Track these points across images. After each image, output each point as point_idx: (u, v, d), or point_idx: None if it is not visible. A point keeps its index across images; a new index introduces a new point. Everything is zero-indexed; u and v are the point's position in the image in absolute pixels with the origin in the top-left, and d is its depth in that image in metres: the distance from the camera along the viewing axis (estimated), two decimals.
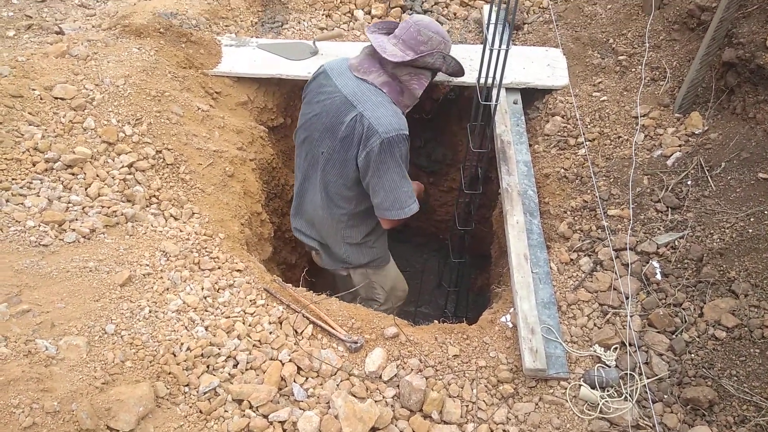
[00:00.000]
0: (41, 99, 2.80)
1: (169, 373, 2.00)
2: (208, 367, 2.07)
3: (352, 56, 2.70)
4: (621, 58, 3.30)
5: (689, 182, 2.67)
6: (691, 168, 2.70)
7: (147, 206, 2.65)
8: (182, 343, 2.09)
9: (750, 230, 2.38)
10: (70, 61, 3.05)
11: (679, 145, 2.83)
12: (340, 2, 3.99)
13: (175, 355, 2.05)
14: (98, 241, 2.40)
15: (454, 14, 3.99)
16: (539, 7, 3.94)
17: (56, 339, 1.95)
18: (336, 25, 3.90)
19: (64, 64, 3.01)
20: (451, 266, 3.87)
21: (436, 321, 2.61)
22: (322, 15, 3.93)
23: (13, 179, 2.50)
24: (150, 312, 2.17)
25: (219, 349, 2.12)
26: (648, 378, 2.18)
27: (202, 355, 2.08)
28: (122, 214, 2.53)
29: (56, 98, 2.83)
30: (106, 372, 1.91)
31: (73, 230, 2.39)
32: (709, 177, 2.64)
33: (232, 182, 3.00)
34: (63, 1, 3.91)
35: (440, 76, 3.24)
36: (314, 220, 2.94)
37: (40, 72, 2.91)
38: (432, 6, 4.01)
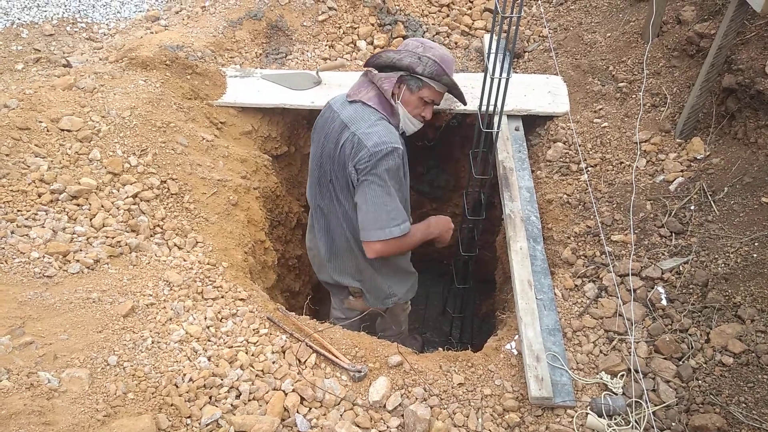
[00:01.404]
0: (48, 131, 2.84)
1: (171, 405, 1.98)
2: (210, 398, 2.06)
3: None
4: (621, 84, 3.33)
5: (692, 207, 2.67)
6: (693, 193, 2.70)
7: (151, 236, 2.66)
8: (184, 374, 2.08)
9: (755, 255, 2.37)
10: (77, 93, 3.10)
11: (681, 171, 2.84)
12: (343, 33, 4.05)
13: (177, 386, 2.04)
14: (102, 272, 2.41)
15: (456, 43, 4.05)
16: (539, 36, 4.00)
17: (59, 371, 1.95)
18: (339, 55, 3.95)
19: (71, 96, 3.06)
20: (455, 292, 3.85)
21: (440, 348, 2.59)
22: (326, 46, 4.00)
23: (18, 211, 2.52)
24: (152, 343, 2.17)
25: (221, 379, 2.11)
26: (655, 405, 2.15)
27: (204, 385, 2.07)
28: (126, 245, 2.54)
29: (63, 130, 2.87)
30: (108, 404, 1.89)
31: (77, 261, 2.40)
32: (712, 202, 2.63)
33: (236, 211, 3.02)
34: (71, 35, 4.00)
35: (443, 104, 3.29)
36: (346, 261, 2.76)
37: (47, 104, 2.96)
38: (433, 36, 4.07)
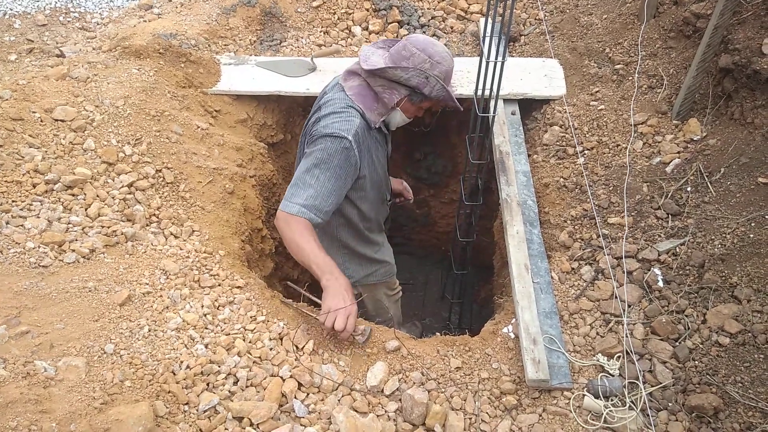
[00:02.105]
0: (42, 121, 2.82)
1: (169, 392, 1.99)
2: (207, 384, 2.06)
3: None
4: (618, 66, 3.31)
5: (689, 188, 2.66)
6: (690, 174, 2.69)
7: (147, 225, 2.65)
8: (182, 362, 2.08)
9: (751, 235, 2.37)
10: (70, 83, 3.08)
11: (678, 152, 2.83)
12: (338, 19, 4.03)
13: (174, 374, 2.04)
14: (98, 261, 2.41)
15: (451, 28, 4.02)
16: (535, 19, 3.97)
17: (55, 360, 1.95)
18: (334, 41, 3.93)
19: (65, 86, 3.04)
20: (453, 278, 3.85)
21: (438, 333, 2.60)
22: (320, 32, 3.97)
23: (13, 201, 2.52)
24: (149, 331, 2.17)
25: (219, 366, 2.11)
26: (652, 386, 2.16)
27: (201, 372, 2.07)
28: (122, 234, 2.54)
29: (56, 120, 2.85)
30: (105, 392, 1.90)
31: (73, 251, 2.40)
32: (708, 183, 2.63)
33: (232, 199, 3.01)
34: (64, 25, 3.97)
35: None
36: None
37: (41, 95, 2.94)
38: (429, 20, 4.04)
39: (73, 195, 2.63)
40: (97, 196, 2.66)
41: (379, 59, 2.49)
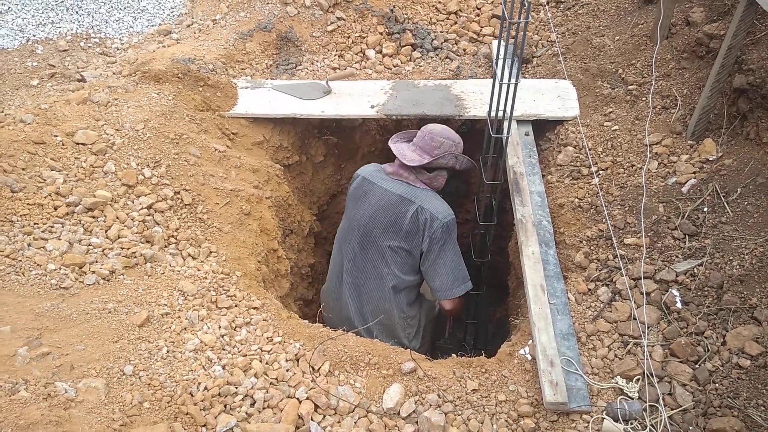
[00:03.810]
0: (63, 145, 2.89)
1: (187, 414, 2.00)
2: (225, 406, 2.07)
3: (385, 165, 3.06)
4: (631, 87, 3.32)
5: (705, 209, 2.65)
6: (706, 194, 2.69)
7: (165, 246, 2.69)
8: (199, 383, 2.09)
9: None
10: (91, 107, 3.15)
11: (694, 172, 2.82)
12: (352, 42, 4.09)
13: (192, 395, 2.05)
14: (117, 283, 2.44)
15: (464, 50, 4.06)
16: (548, 41, 4.00)
17: (75, 381, 1.97)
18: (348, 64, 3.99)
19: (86, 110, 3.11)
20: (469, 298, 3.84)
21: (454, 355, 2.59)
22: (335, 55, 4.03)
23: (35, 224, 2.56)
24: (168, 352, 2.19)
25: (236, 388, 2.12)
26: (672, 409, 2.13)
27: (219, 394, 2.08)
28: (141, 255, 2.57)
29: (77, 144, 2.92)
30: (124, 414, 1.92)
31: (93, 272, 2.44)
32: (725, 203, 2.61)
33: (249, 220, 3.05)
34: (85, 50, 4.07)
35: (452, 110, 3.33)
36: (364, 309, 3.04)
37: (62, 119, 3.01)
38: (442, 43, 4.09)
39: (94, 217, 2.68)
40: (117, 218, 2.70)
41: (413, 155, 2.95)
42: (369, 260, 2.96)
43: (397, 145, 3.02)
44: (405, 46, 4.05)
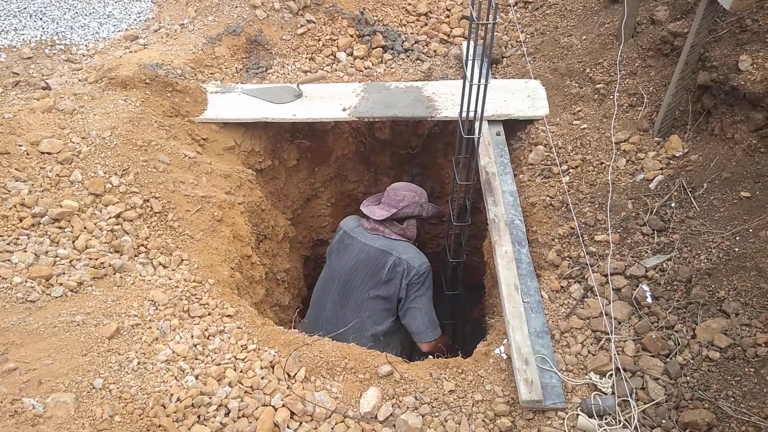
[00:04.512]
0: (28, 154, 2.82)
1: (159, 426, 1.96)
2: (198, 417, 2.04)
3: (363, 219, 3.34)
4: (598, 86, 3.36)
5: (673, 204, 2.69)
6: (674, 190, 2.73)
7: (135, 256, 2.64)
8: (172, 394, 2.06)
9: (736, 249, 2.39)
10: (56, 115, 3.08)
11: (661, 168, 2.87)
12: (323, 45, 4.07)
13: (164, 407, 2.02)
14: (86, 294, 2.39)
15: (435, 51, 4.08)
16: (516, 41, 4.03)
17: (43, 396, 1.93)
18: (319, 67, 3.97)
19: (51, 118, 3.05)
20: (445, 299, 3.85)
21: (430, 356, 2.59)
22: (306, 58, 4.01)
23: None
24: (139, 364, 2.15)
25: (210, 398, 2.09)
26: (645, 403, 2.16)
27: (192, 405, 2.05)
28: (110, 265, 2.52)
29: (43, 153, 2.85)
30: (95, 428, 1.88)
31: (61, 284, 2.39)
32: (692, 198, 2.66)
33: (221, 227, 3.01)
34: (50, 57, 3.99)
35: (424, 112, 3.35)
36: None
37: (27, 127, 2.94)
38: (413, 45, 4.10)
39: (60, 228, 2.62)
40: (85, 228, 2.65)
41: (382, 211, 3.26)
42: (348, 310, 3.14)
43: (367, 208, 3.35)
44: (376, 48, 4.05)
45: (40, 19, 4.22)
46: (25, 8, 4.26)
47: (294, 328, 2.68)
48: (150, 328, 2.31)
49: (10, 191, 2.65)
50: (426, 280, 3.12)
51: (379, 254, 3.14)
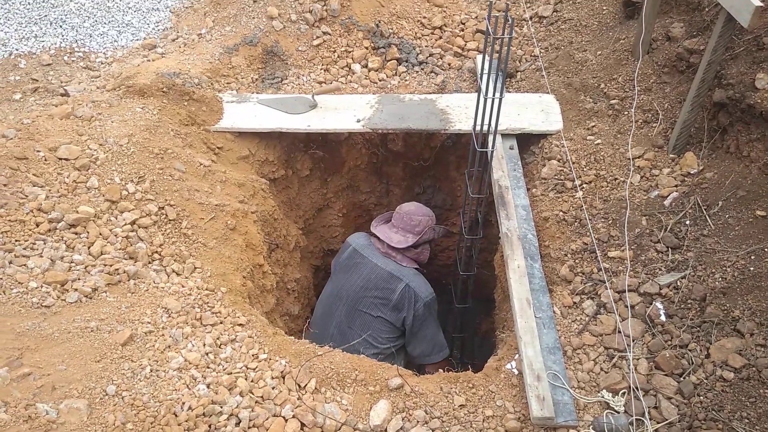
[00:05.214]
0: (46, 160, 2.86)
1: None
2: (209, 426, 2.04)
3: (374, 239, 3.37)
4: (613, 102, 3.36)
5: (687, 222, 2.68)
6: (688, 208, 2.72)
7: (149, 263, 2.66)
8: (183, 403, 2.07)
9: (751, 268, 2.38)
10: (74, 122, 3.12)
11: (676, 185, 2.86)
12: (338, 57, 4.10)
13: (176, 416, 2.03)
14: (100, 300, 2.41)
15: (449, 65, 4.09)
16: (531, 56, 4.04)
17: (57, 402, 1.94)
18: (334, 78, 3.99)
19: (69, 125, 3.09)
20: (455, 312, 3.84)
21: (441, 369, 2.58)
22: (321, 69, 4.04)
23: (16, 241, 2.53)
24: (151, 371, 2.16)
25: (221, 407, 2.10)
26: (658, 423, 2.14)
27: (203, 414, 2.06)
28: (124, 272, 2.54)
29: (60, 159, 2.89)
30: None
31: (75, 290, 2.41)
32: (707, 216, 2.65)
33: (234, 235, 3.03)
34: (68, 64, 4.04)
35: (437, 125, 3.37)
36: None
37: (45, 134, 2.98)
38: (427, 57, 4.12)
39: (76, 233, 2.65)
40: (100, 234, 2.67)
41: (398, 236, 3.30)
42: (355, 329, 3.18)
43: (380, 229, 3.37)
44: (390, 60, 4.07)
45: (60, 26, 4.28)
46: (45, 16, 4.32)
47: (305, 338, 2.68)
48: (163, 335, 2.32)
49: (27, 196, 2.69)
50: (432, 310, 3.24)
51: (390, 277, 3.20)
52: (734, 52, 2.93)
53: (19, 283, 2.37)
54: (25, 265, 2.45)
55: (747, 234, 2.50)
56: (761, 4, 2.37)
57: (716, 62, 2.79)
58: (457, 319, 3.90)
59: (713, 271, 2.46)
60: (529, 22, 4.26)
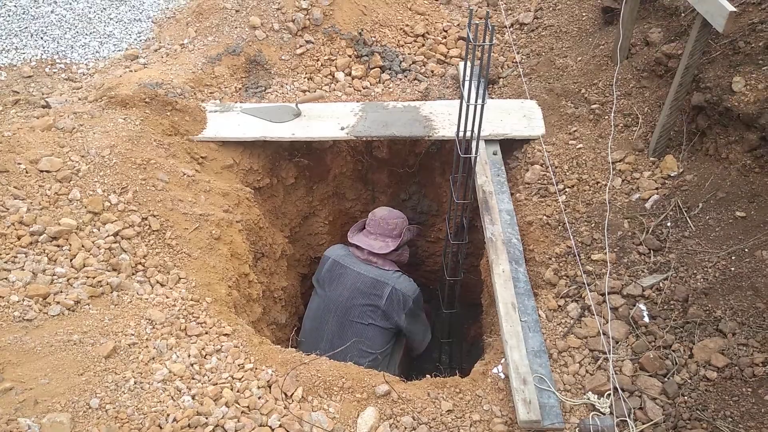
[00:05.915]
0: (27, 172, 2.83)
1: None
2: None
3: (353, 248, 3.47)
4: (594, 106, 3.40)
5: (669, 224, 2.71)
6: (669, 210, 2.75)
7: (133, 274, 2.64)
8: (168, 414, 2.05)
9: (732, 268, 2.41)
10: (56, 133, 3.10)
11: (656, 188, 2.89)
12: (321, 65, 4.11)
13: (161, 428, 2.01)
14: (83, 313, 2.39)
15: (432, 72, 4.12)
16: (513, 62, 4.08)
17: (39, 417, 1.92)
18: (318, 87, 4.00)
19: (50, 137, 3.06)
20: (442, 317, 3.85)
21: (428, 375, 2.58)
22: (304, 78, 4.05)
23: None
24: (135, 383, 2.14)
25: (206, 418, 2.08)
26: (643, 423, 2.15)
27: (189, 425, 2.04)
28: (108, 284, 2.52)
29: (42, 171, 2.86)
30: None
31: (58, 303, 2.38)
32: (687, 218, 2.68)
33: (219, 245, 3.01)
34: (50, 76, 4.01)
35: (422, 131, 3.38)
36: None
37: (26, 146, 2.96)
38: (410, 65, 4.14)
39: (59, 246, 2.62)
40: (83, 246, 2.65)
41: (378, 243, 3.42)
42: (348, 338, 3.20)
43: (358, 239, 3.46)
44: (374, 68, 4.09)
45: (41, 38, 4.25)
46: (26, 28, 4.29)
47: (293, 346, 2.67)
48: (147, 347, 2.30)
49: (8, 209, 2.66)
50: (420, 303, 3.40)
51: (375, 283, 3.27)
52: (711, 56, 2.98)
53: (1, 297, 2.34)
54: (6, 278, 2.42)
55: (727, 235, 2.54)
56: (735, 9, 2.42)
57: (694, 66, 2.84)
58: (444, 325, 3.91)
59: (695, 272, 2.49)
60: (510, 29, 4.30)
